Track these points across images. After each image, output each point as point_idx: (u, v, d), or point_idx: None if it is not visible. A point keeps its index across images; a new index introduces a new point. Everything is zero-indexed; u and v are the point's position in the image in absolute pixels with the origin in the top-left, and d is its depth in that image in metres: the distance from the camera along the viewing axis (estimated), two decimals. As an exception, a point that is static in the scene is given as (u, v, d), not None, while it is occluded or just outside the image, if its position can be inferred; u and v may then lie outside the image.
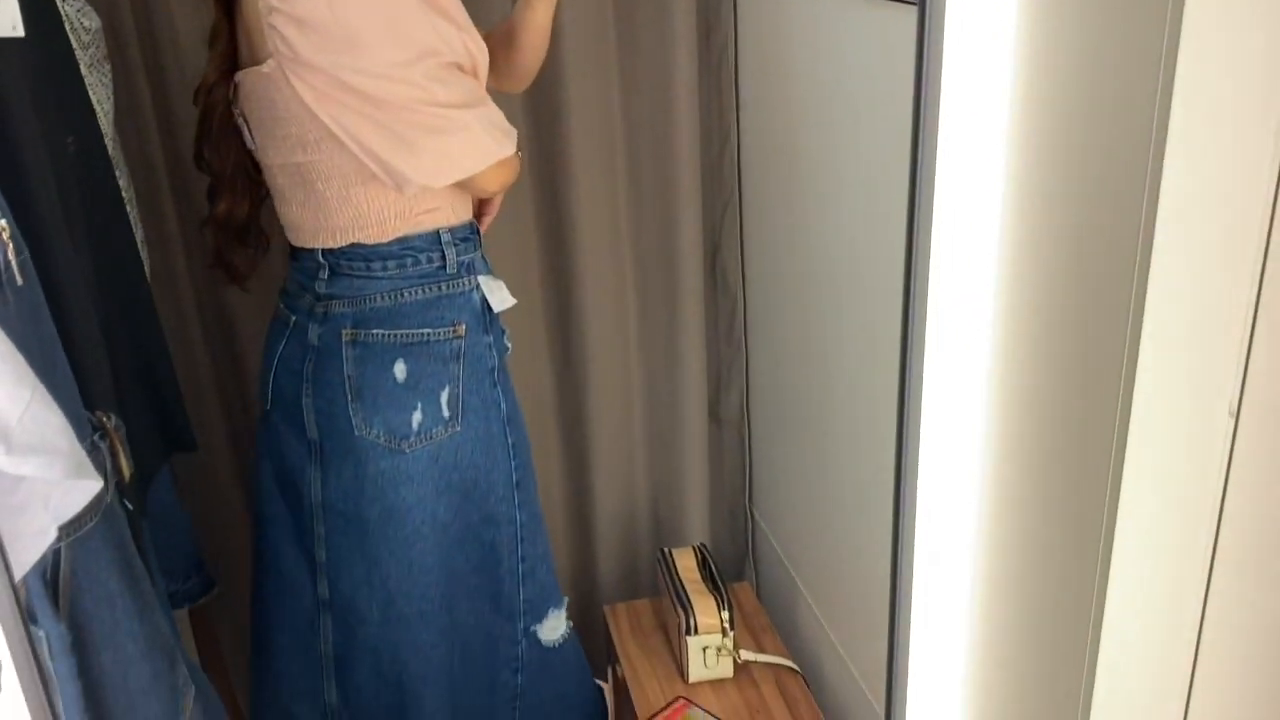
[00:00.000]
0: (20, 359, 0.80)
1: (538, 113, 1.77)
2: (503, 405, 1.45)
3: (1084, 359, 0.96)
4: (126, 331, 1.30)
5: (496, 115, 1.32)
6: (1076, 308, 0.97)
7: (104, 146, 1.31)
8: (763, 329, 1.89)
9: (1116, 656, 0.97)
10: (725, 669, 1.72)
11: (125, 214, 1.35)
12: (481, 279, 1.41)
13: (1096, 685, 0.99)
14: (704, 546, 1.87)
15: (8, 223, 0.82)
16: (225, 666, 1.90)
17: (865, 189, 1.39)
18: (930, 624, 1.21)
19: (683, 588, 1.75)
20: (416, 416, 1.37)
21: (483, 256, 1.45)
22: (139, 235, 1.47)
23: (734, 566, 2.08)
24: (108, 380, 1.11)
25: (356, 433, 1.37)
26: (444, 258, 1.37)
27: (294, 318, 1.41)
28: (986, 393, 1.11)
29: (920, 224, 1.06)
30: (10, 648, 0.81)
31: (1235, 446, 0.90)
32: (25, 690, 0.83)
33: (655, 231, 1.86)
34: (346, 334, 1.36)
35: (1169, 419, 0.89)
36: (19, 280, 0.84)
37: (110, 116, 1.42)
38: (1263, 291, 0.86)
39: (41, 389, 0.80)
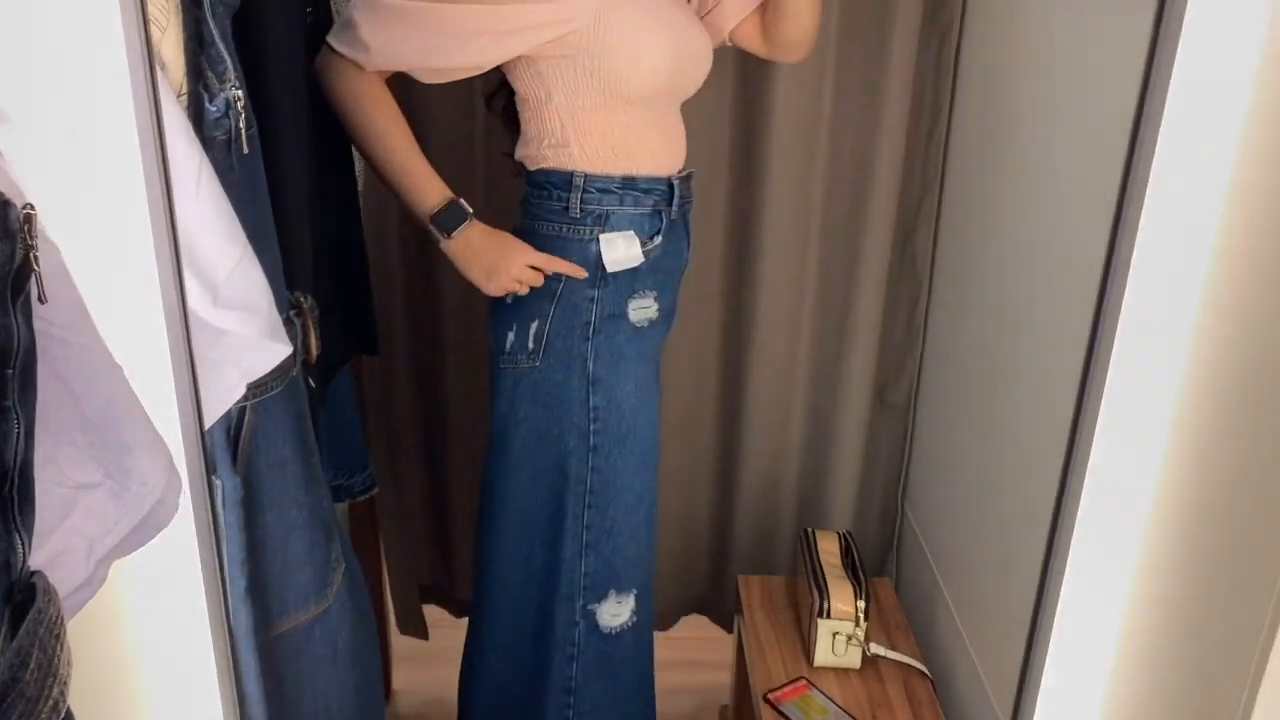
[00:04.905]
0: (235, 220, 0.85)
1: (747, 74, 1.75)
2: (590, 364, 1.40)
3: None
4: (331, 227, 1.37)
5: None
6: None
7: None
8: (943, 321, 1.82)
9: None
10: (853, 659, 1.68)
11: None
12: (604, 235, 1.37)
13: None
14: (849, 534, 1.83)
15: (244, 93, 0.87)
16: (379, 557, 2.00)
17: (1071, 195, 1.32)
18: (1071, 649, 1.15)
19: (821, 570, 1.72)
20: (510, 336, 1.43)
21: (656, 214, 1.40)
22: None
23: (876, 559, 2.03)
24: (308, 265, 1.17)
25: (488, 332, 1.48)
26: (568, 201, 1.36)
27: None
28: (1170, 422, 1.03)
29: (1123, 239, 0.99)
30: (191, 490, 0.88)
31: None
32: (198, 531, 0.89)
33: (847, 208, 1.82)
34: None
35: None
36: (245, 150, 0.90)
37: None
38: None
39: (250, 250, 0.85)
